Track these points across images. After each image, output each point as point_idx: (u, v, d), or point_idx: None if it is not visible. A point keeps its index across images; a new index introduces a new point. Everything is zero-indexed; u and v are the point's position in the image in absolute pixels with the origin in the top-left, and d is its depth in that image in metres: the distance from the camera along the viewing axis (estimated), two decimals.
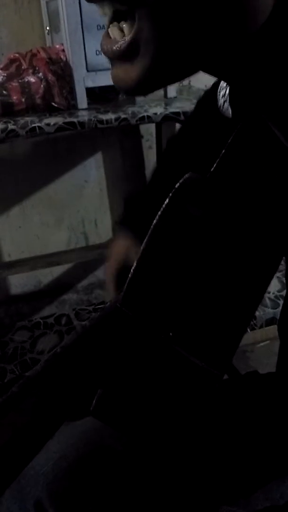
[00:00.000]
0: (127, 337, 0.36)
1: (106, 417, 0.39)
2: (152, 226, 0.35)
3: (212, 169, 0.37)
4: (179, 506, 0.58)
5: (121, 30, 0.32)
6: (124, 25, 0.31)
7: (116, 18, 0.32)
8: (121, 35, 0.32)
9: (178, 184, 0.36)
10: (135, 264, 0.36)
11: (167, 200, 0.35)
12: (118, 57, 0.32)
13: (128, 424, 0.39)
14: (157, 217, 0.36)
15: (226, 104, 0.56)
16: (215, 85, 0.68)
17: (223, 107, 0.56)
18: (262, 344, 1.83)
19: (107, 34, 0.33)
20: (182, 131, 0.73)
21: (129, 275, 0.36)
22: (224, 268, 0.35)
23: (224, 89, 0.54)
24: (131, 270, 0.36)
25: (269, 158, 0.37)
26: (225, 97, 0.54)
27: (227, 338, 0.35)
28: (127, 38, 0.31)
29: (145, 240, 0.36)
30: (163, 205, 0.35)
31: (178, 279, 0.35)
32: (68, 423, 0.63)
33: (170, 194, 0.35)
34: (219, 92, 0.56)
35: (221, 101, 0.56)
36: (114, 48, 0.32)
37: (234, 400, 0.62)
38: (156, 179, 0.72)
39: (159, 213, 0.35)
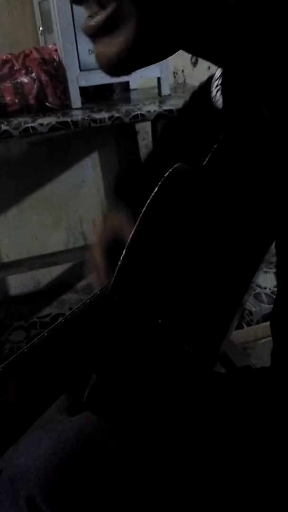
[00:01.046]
0: (117, 324, 0.36)
1: (98, 409, 0.39)
2: (141, 213, 0.36)
3: (206, 160, 0.38)
4: (172, 501, 0.58)
5: (100, 6, 0.31)
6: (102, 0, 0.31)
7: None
8: (100, 10, 0.31)
9: (167, 173, 0.36)
10: (124, 251, 0.36)
11: (156, 188, 0.36)
12: (98, 32, 0.32)
13: (121, 415, 0.39)
14: (146, 204, 0.36)
15: (219, 94, 0.57)
16: (210, 78, 0.68)
17: (215, 98, 0.56)
18: (263, 340, 1.82)
19: (88, 16, 0.33)
20: (176, 120, 0.73)
21: (119, 263, 0.36)
22: (211, 255, 0.35)
23: (217, 80, 0.54)
24: (121, 258, 0.36)
25: (260, 149, 0.37)
26: (218, 87, 0.54)
27: (215, 324, 0.35)
28: (107, 11, 0.31)
29: (134, 227, 0.36)
30: (153, 193, 0.36)
31: (166, 266, 0.35)
32: (59, 420, 0.63)
33: (160, 183, 0.36)
34: (213, 82, 0.56)
35: (214, 91, 0.56)
36: (93, 23, 0.32)
37: (225, 394, 0.62)
38: (149, 162, 0.71)
39: (148, 200, 0.36)
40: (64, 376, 0.37)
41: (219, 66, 0.43)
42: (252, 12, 0.29)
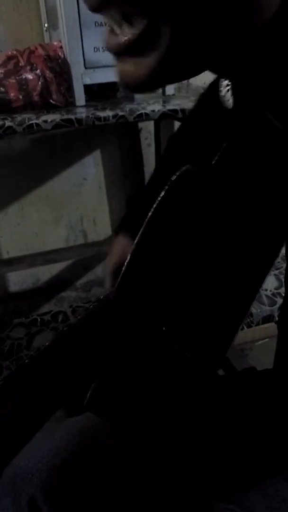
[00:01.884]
0: (121, 330, 0.36)
1: (100, 411, 0.38)
2: (147, 219, 0.35)
3: (212, 162, 0.37)
4: (173, 502, 0.58)
5: (126, 20, 0.30)
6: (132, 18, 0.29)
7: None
8: (129, 27, 0.30)
9: (174, 176, 0.36)
10: (128, 257, 0.36)
11: (162, 193, 0.35)
12: (127, 51, 0.31)
13: (122, 418, 0.38)
14: (152, 209, 0.35)
15: (228, 95, 0.56)
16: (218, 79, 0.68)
17: (224, 98, 0.55)
18: (260, 342, 1.83)
19: (111, 30, 0.32)
20: (183, 127, 0.73)
21: (123, 269, 0.36)
22: (218, 262, 0.34)
23: (226, 80, 0.54)
24: (125, 263, 0.36)
25: (269, 153, 0.36)
26: (228, 87, 0.54)
27: (221, 333, 0.35)
28: (138, 30, 0.29)
29: (140, 233, 0.35)
30: (159, 198, 0.35)
31: (171, 273, 0.35)
32: (62, 421, 0.63)
33: (166, 187, 0.35)
34: (221, 82, 0.56)
35: (223, 91, 0.56)
36: (122, 40, 0.30)
37: (230, 396, 0.62)
38: (155, 178, 0.71)
39: (154, 205, 0.35)
40: (62, 389, 0.37)
41: (235, 82, 0.43)
42: (283, 34, 0.28)
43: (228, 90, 0.55)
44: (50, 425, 0.61)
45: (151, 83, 0.32)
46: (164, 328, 0.34)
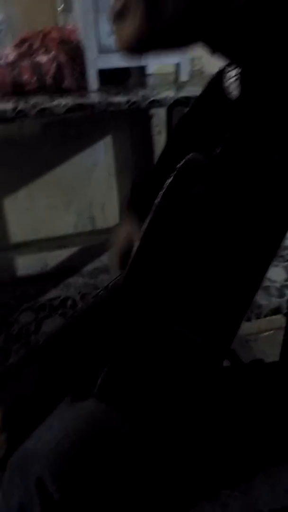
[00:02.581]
0: (130, 316, 0.36)
1: (110, 399, 0.39)
2: (154, 206, 0.35)
3: (217, 150, 0.37)
4: (179, 489, 0.58)
5: None
6: None
7: None
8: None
9: (181, 163, 0.36)
10: (137, 244, 0.36)
11: (169, 179, 0.35)
12: (114, 18, 0.38)
13: (132, 406, 0.39)
14: (159, 196, 0.35)
15: (233, 86, 0.56)
16: (223, 69, 0.67)
17: (228, 88, 0.55)
18: (266, 334, 1.83)
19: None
20: (189, 113, 0.73)
21: (132, 255, 0.36)
22: (225, 247, 0.34)
23: (232, 71, 0.54)
24: (134, 249, 0.36)
25: (271, 142, 0.36)
26: (234, 78, 0.53)
27: (228, 317, 0.35)
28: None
29: (148, 219, 0.35)
30: (166, 185, 0.35)
31: (179, 259, 0.35)
32: (71, 404, 0.63)
33: (173, 174, 0.35)
34: (226, 73, 0.55)
35: (227, 82, 0.56)
36: (112, 8, 0.38)
37: (238, 386, 0.62)
38: (161, 163, 0.71)
39: (162, 192, 0.35)
40: (77, 368, 0.37)
41: (234, 61, 0.44)
42: (259, 11, 0.31)
43: (235, 80, 0.55)
44: (60, 408, 0.62)
45: (137, 46, 0.38)
46: (173, 314, 0.34)
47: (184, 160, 0.35)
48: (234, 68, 0.53)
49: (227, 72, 0.55)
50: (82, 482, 0.56)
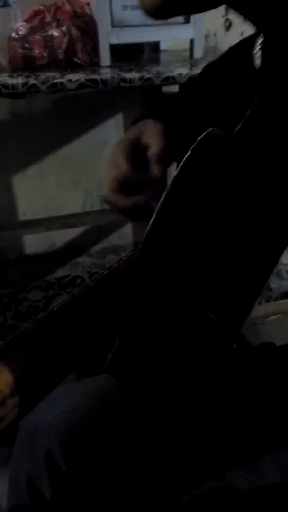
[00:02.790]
0: (143, 289, 0.35)
1: (120, 374, 0.38)
2: (173, 178, 0.35)
3: (240, 124, 0.36)
4: (185, 467, 0.59)
5: None
6: None
7: None
8: None
9: (201, 137, 0.35)
10: (153, 216, 0.35)
11: (189, 152, 0.34)
12: None
13: (142, 381, 0.38)
14: (178, 168, 0.35)
15: (256, 55, 0.54)
16: (241, 42, 0.65)
17: (255, 56, 0.54)
18: (273, 317, 1.83)
19: None
20: (204, 77, 0.71)
21: (147, 228, 0.35)
22: (243, 223, 0.34)
23: (259, 38, 0.52)
24: (150, 222, 0.35)
25: None
26: (259, 46, 0.52)
27: (243, 294, 0.35)
28: None
29: (165, 191, 0.35)
30: (185, 157, 0.35)
31: (196, 233, 0.34)
32: (80, 378, 0.63)
33: (193, 146, 0.35)
34: (257, 40, 0.54)
35: (255, 49, 0.54)
36: None
37: (248, 368, 0.61)
38: (181, 94, 0.69)
39: (181, 164, 0.35)
40: (90, 337, 0.36)
41: (258, 27, 0.42)
42: None
43: (260, 49, 0.53)
44: (70, 382, 0.62)
45: (164, 7, 0.35)
46: (187, 288, 0.34)
47: (203, 134, 0.34)
48: (259, 37, 0.51)
49: (251, 41, 0.54)
50: (90, 455, 0.56)
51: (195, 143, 0.35)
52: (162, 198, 0.35)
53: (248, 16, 0.36)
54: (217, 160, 0.34)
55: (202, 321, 0.34)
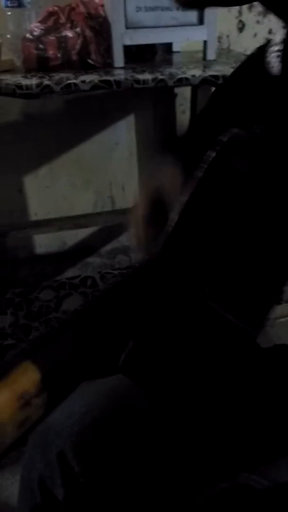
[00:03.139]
0: (163, 290, 0.35)
1: (134, 373, 0.38)
2: (196, 179, 0.35)
3: (262, 125, 0.36)
4: (198, 468, 0.58)
5: None
6: None
7: None
8: None
9: (225, 138, 0.35)
10: (176, 217, 0.35)
11: (213, 154, 0.34)
12: None
13: (156, 382, 0.38)
14: (202, 170, 0.35)
15: (275, 61, 0.54)
16: (262, 47, 0.65)
17: (270, 63, 0.54)
18: (282, 319, 1.82)
19: None
20: (227, 84, 0.71)
21: (169, 228, 0.35)
22: (265, 226, 0.34)
23: (277, 46, 0.52)
24: (172, 224, 0.35)
25: None
26: (277, 53, 0.52)
27: (262, 297, 0.34)
28: None
29: (188, 193, 0.35)
30: (209, 159, 0.34)
31: (217, 234, 0.34)
32: (93, 380, 0.63)
33: (217, 148, 0.34)
34: (270, 47, 0.54)
35: (270, 56, 0.54)
36: None
37: (261, 369, 0.61)
38: (198, 121, 0.69)
39: (205, 166, 0.35)
40: (110, 338, 0.36)
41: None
42: None
43: (277, 56, 0.53)
44: (83, 383, 0.62)
45: None
46: (206, 290, 0.34)
47: (228, 135, 0.34)
48: (278, 43, 0.51)
49: (270, 47, 0.54)
50: (103, 456, 0.56)
51: (219, 145, 0.34)
52: (185, 200, 0.35)
53: (278, 14, 0.36)
54: (240, 161, 0.34)
55: (221, 323, 0.34)
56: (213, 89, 1.27)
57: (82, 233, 1.72)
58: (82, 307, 0.34)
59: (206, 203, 0.33)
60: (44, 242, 1.70)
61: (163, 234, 0.47)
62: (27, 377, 0.28)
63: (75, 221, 1.61)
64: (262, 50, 0.65)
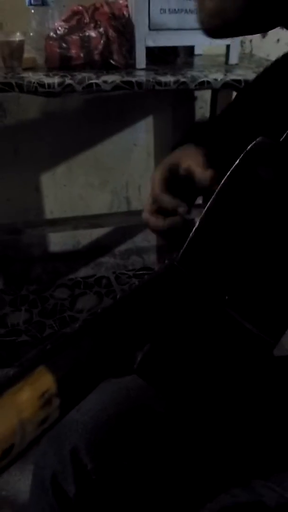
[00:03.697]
0: (182, 295, 0.35)
1: (149, 376, 0.38)
2: (219, 186, 0.35)
3: (286, 133, 0.36)
4: (211, 472, 0.58)
5: None
6: None
7: None
8: None
9: (249, 146, 0.35)
10: (197, 222, 0.35)
11: (237, 161, 0.34)
12: None
13: (171, 386, 0.38)
14: (225, 177, 0.35)
15: None
16: (286, 55, 0.65)
17: None
18: None
19: None
20: (251, 89, 0.70)
21: (190, 234, 0.35)
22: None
23: None
24: (193, 229, 0.35)
25: None
26: None
27: (283, 306, 0.34)
28: None
29: (211, 199, 0.35)
30: (233, 166, 0.34)
31: (239, 242, 0.34)
32: (109, 380, 0.63)
33: (241, 156, 0.34)
34: None
35: None
36: None
37: (276, 377, 0.61)
38: (222, 118, 0.68)
39: (228, 173, 0.35)
40: (128, 341, 0.36)
41: None
42: None
43: None
44: None
45: (230, 24, 0.34)
46: (226, 297, 0.34)
47: (253, 143, 0.34)
48: None
49: None
50: (116, 454, 0.56)
51: (244, 152, 0.34)
52: (207, 206, 0.35)
53: None
54: (265, 169, 0.34)
55: (240, 332, 0.34)
56: (234, 93, 1.27)
57: (96, 233, 1.72)
58: (102, 310, 0.34)
59: (228, 210, 0.33)
60: (59, 241, 1.71)
61: (183, 239, 0.47)
62: (48, 377, 0.28)
63: (90, 221, 1.61)
64: (286, 57, 0.65)
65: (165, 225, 0.58)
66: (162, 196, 0.58)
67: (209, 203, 0.35)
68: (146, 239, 1.77)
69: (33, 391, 0.27)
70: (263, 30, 0.36)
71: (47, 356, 0.30)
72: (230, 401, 0.40)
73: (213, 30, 0.36)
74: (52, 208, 1.65)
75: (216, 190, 0.35)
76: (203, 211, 0.35)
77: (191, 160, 0.56)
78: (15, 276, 1.65)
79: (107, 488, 0.56)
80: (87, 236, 1.73)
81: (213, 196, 0.35)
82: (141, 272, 1.41)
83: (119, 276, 1.21)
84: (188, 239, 0.35)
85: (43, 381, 0.28)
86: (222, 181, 0.35)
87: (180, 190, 0.58)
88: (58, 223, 1.59)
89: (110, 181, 1.65)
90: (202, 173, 0.54)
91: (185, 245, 0.35)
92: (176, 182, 0.59)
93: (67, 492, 0.58)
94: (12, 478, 1.13)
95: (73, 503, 0.58)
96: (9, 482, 1.13)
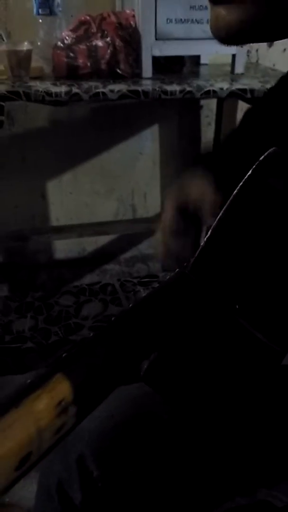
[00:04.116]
0: (192, 304, 0.35)
1: (156, 383, 0.39)
2: (231, 196, 0.35)
3: None
4: (216, 480, 0.58)
5: None
6: None
7: None
8: None
9: (262, 157, 0.35)
10: (209, 232, 0.35)
11: (249, 172, 0.35)
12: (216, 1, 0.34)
13: (178, 394, 0.38)
14: (237, 187, 0.35)
15: None
16: None
17: None
18: None
19: None
20: (262, 102, 0.71)
21: (202, 243, 0.36)
22: None
23: None
24: (205, 238, 0.36)
25: None
26: None
27: None
28: None
29: (223, 209, 0.35)
30: (245, 177, 0.35)
31: (250, 252, 0.34)
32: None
33: (253, 166, 0.35)
34: None
35: None
36: None
37: (286, 386, 0.61)
38: (231, 139, 0.69)
39: (240, 183, 0.35)
40: (138, 349, 0.37)
41: None
42: None
43: None
44: None
45: (243, 33, 0.34)
46: (237, 306, 0.34)
47: (265, 154, 0.34)
48: None
49: None
50: (122, 462, 0.56)
51: (256, 163, 0.35)
52: (219, 216, 0.35)
53: None
54: (277, 179, 0.34)
55: (249, 340, 0.34)
56: (239, 102, 1.28)
57: (102, 240, 1.73)
58: (115, 318, 0.35)
59: (240, 220, 0.34)
60: (64, 248, 1.72)
61: (193, 247, 0.47)
62: (65, 385, 0.28)
63: (96, 228, 1.62)
64: None
65: (177, 246, 0.58)
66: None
67: (221, 213, 0.35)
68: (151, 247, 1.78)
69: (51, 399, 0.27)
70: (279, 38, 0.37)
71: (63, 364, 0.30)
72: (236, 409, 0.40)
73: (227, 39, 0.36)
74: (58, 215, 1.65)
75: (228, 200, 0.35)
76: (215, 221, 0.35)
77: (199, 190, 0.56)
78: (21, 282, 1.66)
79: (113, 495, 0.56)
80: (92, 243, 1.74)
81: (225, 206, 0.35)
82: (146, 279, 1.41)
83: (124, 283, 1.21)
84: (200, 248, 0.35)
85: (60, 389, 0.28)
86: (234, 192, 0.35)
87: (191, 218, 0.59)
88: (64, 230, 1.60)
89: (116, 189, 1.66)
90: (209, 215, 0.54)
91: (196, 254, 0.36)
92: (186, 214, 0.59)
93: (73, 500, 0.58)
94: (16, 484, 1.13)
95: (79, 510, 0.58)
96: (13, 488, 1.12)
